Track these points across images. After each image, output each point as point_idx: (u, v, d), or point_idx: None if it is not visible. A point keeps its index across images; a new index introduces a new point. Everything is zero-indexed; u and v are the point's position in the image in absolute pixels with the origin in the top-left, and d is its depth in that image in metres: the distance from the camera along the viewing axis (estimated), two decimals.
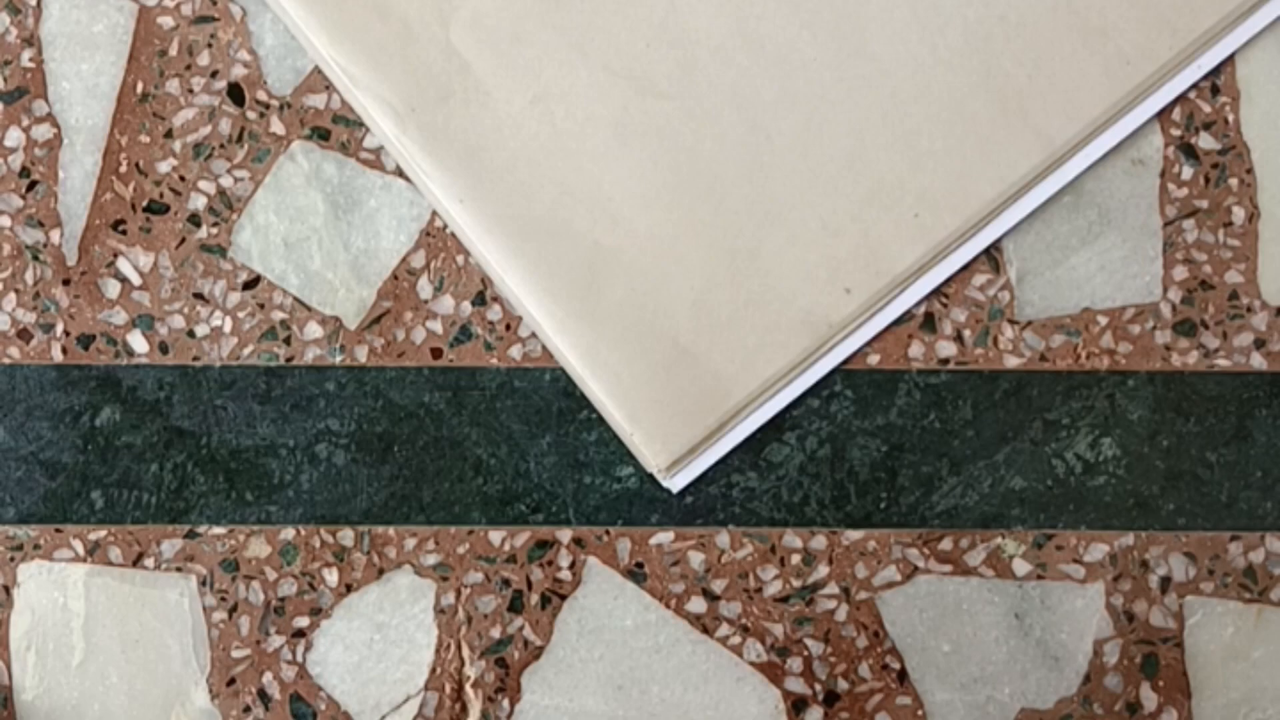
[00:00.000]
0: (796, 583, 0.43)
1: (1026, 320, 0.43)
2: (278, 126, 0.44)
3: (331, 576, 0.43)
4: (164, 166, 0.44)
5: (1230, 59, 0.44)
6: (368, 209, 0.44)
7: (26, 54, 0.44)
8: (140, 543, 0.43)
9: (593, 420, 0.43)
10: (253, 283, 0.44)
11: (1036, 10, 0.43)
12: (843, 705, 0.42)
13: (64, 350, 0.43)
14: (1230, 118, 0.44)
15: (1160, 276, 0.44)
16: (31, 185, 0.44)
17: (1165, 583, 0.43)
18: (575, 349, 0.42)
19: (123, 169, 0.44)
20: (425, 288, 0.43)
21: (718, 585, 0.43)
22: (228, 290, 0.43)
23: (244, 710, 0.43)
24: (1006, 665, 0.43)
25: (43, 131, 0.44)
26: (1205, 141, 0.44)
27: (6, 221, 0.44)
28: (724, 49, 0.42)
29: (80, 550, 0.43)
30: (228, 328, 0.43)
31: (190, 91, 0.44)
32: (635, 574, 0.43)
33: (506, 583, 0.43)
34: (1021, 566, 0.43)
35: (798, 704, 0.42)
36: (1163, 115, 0.44)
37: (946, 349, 0.43)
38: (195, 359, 0.43)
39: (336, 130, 0.44)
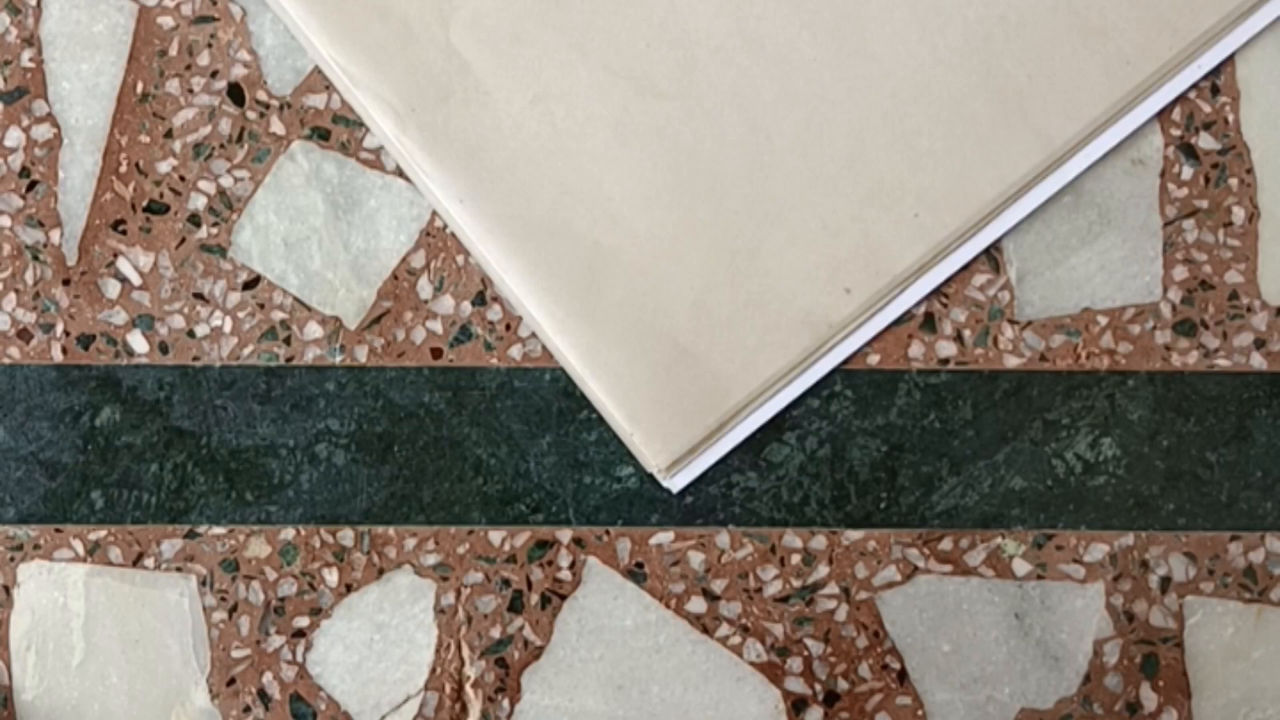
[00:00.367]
0: (796, 583, 0.43)
1: (1026, 320, 0.43)
2: (278, 126, 0.44)
3: (331, 576, 0.43)
4: (164, 166, 0.44)
5: (1230, 59, 0.44)
6: (368, 209, 0.44)
7: (26, 54, 0.44)
8: (140, 543, 0.43)
9: (593, 420, 0.43)
10: (253, 283, 0.44)
11: (1036, 10, 0.43)
12: (843, 705, 0.42)
13: (64, 350, 0.43)
14: (1230, 118, 0.44)
15: (1160, 276, 0.44)
16: (31, 185, 0.44)
17: (1165, 583, 0.43)
18: (575, 349, 0.42)
19: (123, 169, 0.44)
20: (425, 288, 0.44)
21: (718, 585, 0.43)
22: (228, 290, 0.43)
23: (244, 710, 0.43)
24: (1006, 665, 0.43)
25: (43, 131, 0.44)
26: (1205, 141, 0.44)
27: (6, 221, 0.44)
28: (724, 49, 0.42)
29: (80, 550, 0.43)
30: (228, 328, 0.43)
31: (190, 91, 0.44)
32: (635, 574, 0.43)
33: (506, 583, 0.43)
34: (1021, 566, 0.43)
35: (798, 704, 0.42)
36: (1163, 115, 0.44)
37: (946, 349, 0.43)
38: (195, 359, 0.43)
39: (336, 130, 0.44)
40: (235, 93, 0.44)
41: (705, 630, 0.43)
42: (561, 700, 0.43)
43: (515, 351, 0.43)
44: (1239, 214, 0.44)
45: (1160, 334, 0.43)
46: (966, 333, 0.43)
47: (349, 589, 0.43)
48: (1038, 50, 0.42)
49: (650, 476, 0.43)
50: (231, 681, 0.43)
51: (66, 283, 0.44)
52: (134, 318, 0.43)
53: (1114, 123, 0.43)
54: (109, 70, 0.44)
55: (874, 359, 0.43)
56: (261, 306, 0.43)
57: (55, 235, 0.44)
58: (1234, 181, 0.44)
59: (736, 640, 0.43)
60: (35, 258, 0.44)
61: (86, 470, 0.43)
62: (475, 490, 0.43)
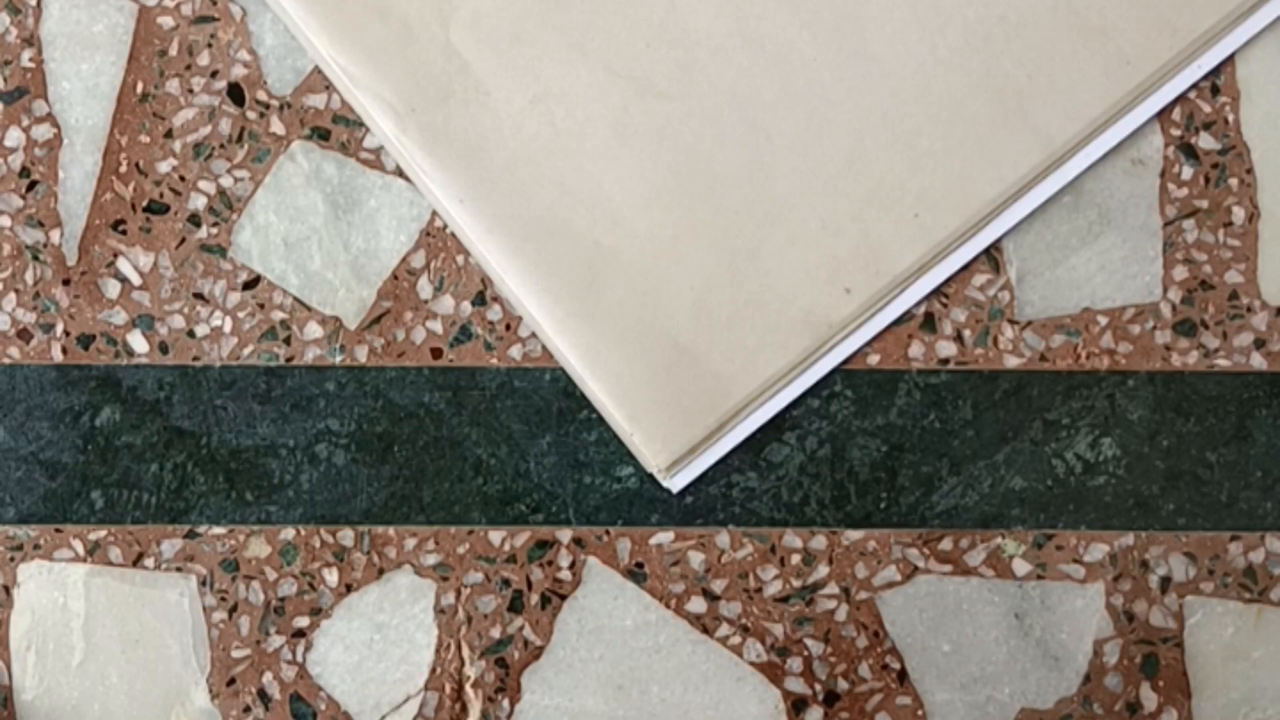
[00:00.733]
0: (796, 583, 0.43)
1: (1026, 320, 0.43)
2: (278, 126, 0.44)
3: (331, 576, 0.43)
4: (164, 166, 0.44)
5: (1230, 59, 0.44)
6: (368, 209, 0.44)
7: (26, 54, 0.44)
8: (140, 543, 0.43)
9: (593, 420, 0.43)
10: (253, 283, 0.44)
11: (1036, 10, 0.43)
12: (843, 705, 0.42)
13: (64, 350, 0.43)
14: (1230, 118, 0.44)
15: (1160, 276, 0.44)
16: (31, 185, 0.44)
17: (1165, 583, 0.43)
18: (575, 349, 0.42)
19: (123, 169, 0.44)
20: (425, 288, 0.43)
21: (718, 585, 0.43)
22: (228, 290, 0.43)
23: (244, 710, 0.43)
24: (1006, 665, 0.43)
25: (43, 131, 0.44)
26: (1205, 141, 0.44)
27: (6, 221, 0.44)
28: (724, 49, 0.42)
29: (80, 550, 0.43)
30: (228, 328, 0.43)
31: (190, 91, 0.44)
32: (635, 574, 0.43)
33: (506, 583, 0.43)
34: (1021, 566, 0.43)
35: (798, 704, 0.42)
36: (1163, 115, 0.44)
37: (946, 349, 0.43)
38: (195, 359, 0.43)
39: (336, 130, 0.44)
40: (235, 93, 0.44)
41: (705, 630, 0.43)
42: (561, 700, 0.43)
43: (515, 351, 0.43)
44: (1239, 214, 0.44)
45: (1160, 334, 0.43)
46: (966, 333, 0.43)
47: (349, 589, 0.43)
48: (1038, 50, 0.42)
49: (650, 476, 0.43)
50: (231, 681, 0.43)
51: (66, 283, 0.44)
52: (134, 318, 0.43)
53: (1114, 123, 0.43)
54: (109, 70, 0.44)
55: (874, 359, 0.43)
56: (261, 306, 0.43)
57: (55, 235, 0.44)
58: (1234, 181, 0.44)
59: (736, 640, 0.43)
60: (35, 258, 0.44)
61: (86, 470, 0.43)
62: (475, 490, 0.43)
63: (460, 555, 0.43)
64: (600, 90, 0.42)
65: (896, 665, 0.43)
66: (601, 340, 0.42)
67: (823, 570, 0.43)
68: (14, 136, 0.44)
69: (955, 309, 0.43)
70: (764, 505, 0.43)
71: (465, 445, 0.43)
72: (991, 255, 0.44)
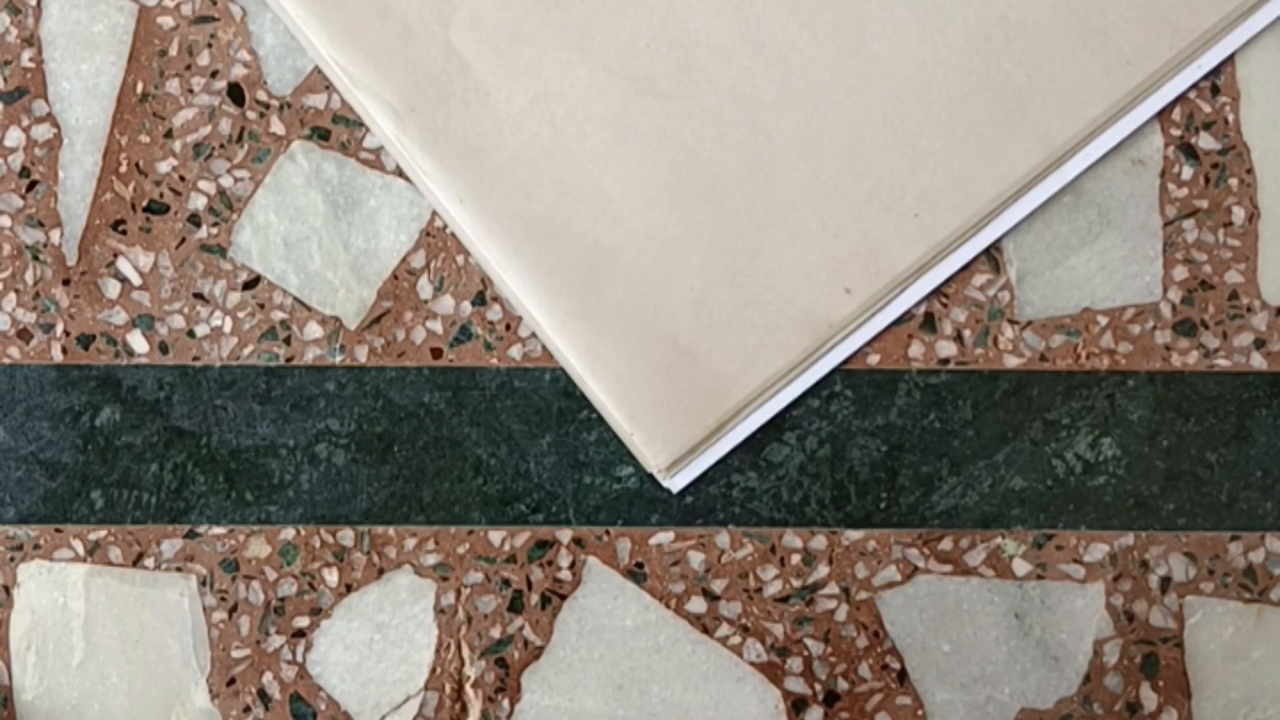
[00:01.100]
0: (796, 583, 0.43)
1: (1026, 320, 0.43)
2: (278, 126, 0.44)
3: (331, 576, 0.43)
4: (164, 166, 0.44)
5: (1230, 59, 0.44)
6: (368, 209, 0.44)
7: (26, 54, 0.44)
8: (140, 543, 0.43)
9: (593, 420, 0.43)
10: (253, 283, 0.44)
11: (1036, 10, 0.43)
12: (843, 705, 0.42)
13: (64, 350, 0.43)
14: (1230, 118, 0.44)
15: (1160, 276, 0.44)
16: (31, 185, 0.44)
17: (1165, 583, 0.43)
18: (575, 349, 0.42)
19: (123, 169, 0.44)
20: (425, 288, 0.44)
21: (718, 585, 0.43)
22: (228, 290, 0.43)
23: (244, 710, 0.43)
24: (1006, 665, 0.43)
25: (43, 131, 0.44)
26: (1205, 141, 0.44)
27: (6, 221, 0.44)
28: (724, 49, 0.42)
29: (80, 550, 0.43)
30: (228, 328, 0.43)
31: (190, 91, 0.44)
32: (635, 574, 0.43)
33: (506, 583, 0.43)
34: (1021, 566, 0.43)
35: (798, 704, 0.42)
36: (1163, 115, 0.44)
37: (946, 349, 0.43)
38: (195, 359, 0.43)
39: (336, 130, 0.44)
40: (235, 93, 0.44)
41: (705, 630, 0.43)
42: (561, 700, 0.43)
43: (515, 351, 0.43)
44: (1239, 214, 0.44)
45: (1160, 334, 0.43)
46: (966, 333, 0.43)
47: (349, 589, 0.43)
48: (1038, 50, 0.42)
49: (650, 476, 0.43)
50: (231, 681, 0.43)
51: (66, 283, 0.44)
52: (134, 318, 0.43)
53: (1114, 123, 0.43)
54: (109, 70, 0.44)
55: (874, 359, 0.43)
56: (261, 306, 0.43)
57: (55, 235, 0.44)
58: (1234, 181, 0.44)
59: (736, 640, 0.43)
60: (35, 258, 0.44)
61: (86, 470, 0.43)
62: (475, 490, 0.43)
63: (460, 555, 0.43)
64: (600, 90, 0.42)
65: (896, 665, 0.43)
66: (601, 340, 0.42)
67: (823, 570, 0.43)
68: (14, 136, 0.44)
69: (955, 309, 0.43)
70: (764, 505, 0.43)
71: (465, 445, 0.43)
72: (991, 255, 0.44)
